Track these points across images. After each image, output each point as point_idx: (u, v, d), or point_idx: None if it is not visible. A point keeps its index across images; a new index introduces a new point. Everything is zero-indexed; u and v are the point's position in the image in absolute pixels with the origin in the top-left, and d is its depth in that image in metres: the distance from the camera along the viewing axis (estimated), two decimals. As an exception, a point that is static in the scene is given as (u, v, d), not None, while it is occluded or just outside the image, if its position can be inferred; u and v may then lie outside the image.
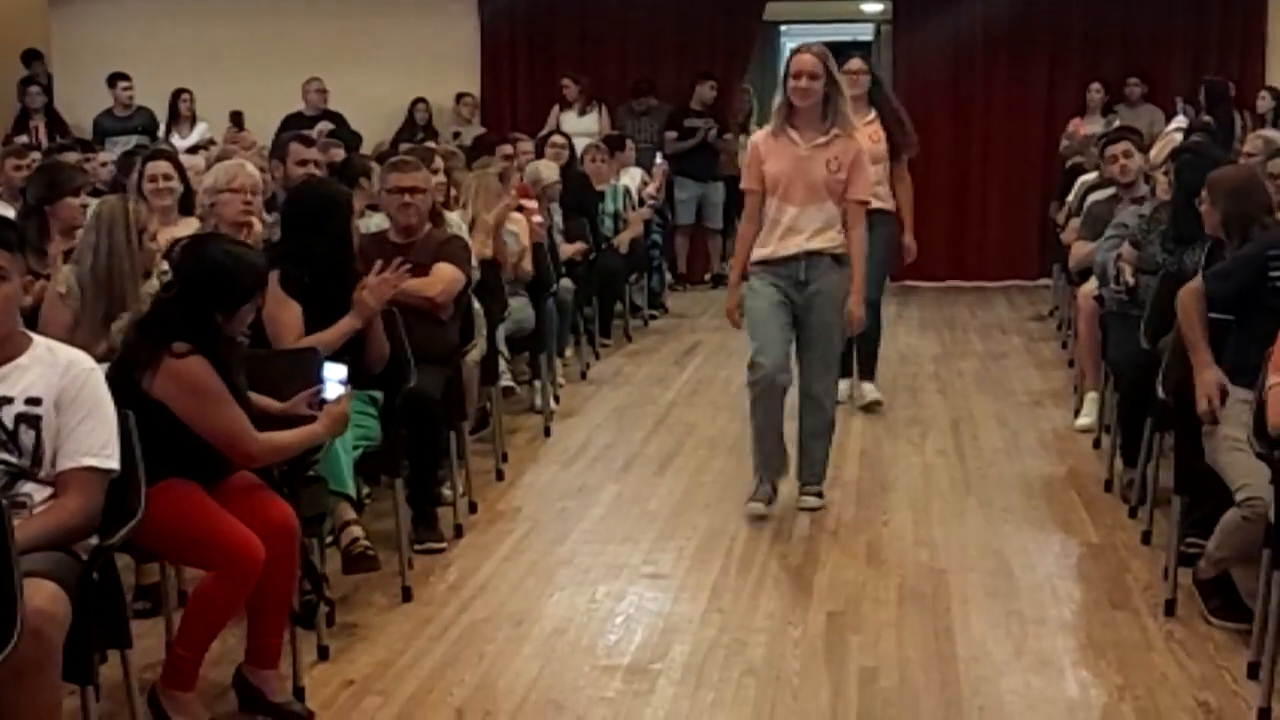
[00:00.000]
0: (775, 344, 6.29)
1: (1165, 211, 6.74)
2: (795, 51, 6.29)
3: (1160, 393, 5.50)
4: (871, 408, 8.39)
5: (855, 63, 8.09)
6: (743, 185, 6.50)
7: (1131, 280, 6.71)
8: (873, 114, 8.12)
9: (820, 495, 6.53)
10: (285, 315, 5.41)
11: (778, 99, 6.41)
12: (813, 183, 6.24)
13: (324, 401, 4.61)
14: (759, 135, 6.51)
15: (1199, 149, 7.32)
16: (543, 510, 6.65)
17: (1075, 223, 8.68)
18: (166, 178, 6.77)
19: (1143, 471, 6.20)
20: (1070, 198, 9.80)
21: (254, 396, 4.57)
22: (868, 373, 8.60)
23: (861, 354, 8.53)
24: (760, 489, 6.38)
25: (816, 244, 6.28)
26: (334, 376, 4.64)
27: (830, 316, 6.35)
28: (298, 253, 5.52)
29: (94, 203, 6.16)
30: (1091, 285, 7.53)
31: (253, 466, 4.40)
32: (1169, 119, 11.70)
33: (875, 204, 7.19)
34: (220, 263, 4.38)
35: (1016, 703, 4.51)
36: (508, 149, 9.69)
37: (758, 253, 6.37)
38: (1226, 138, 10.84)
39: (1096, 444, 7.49)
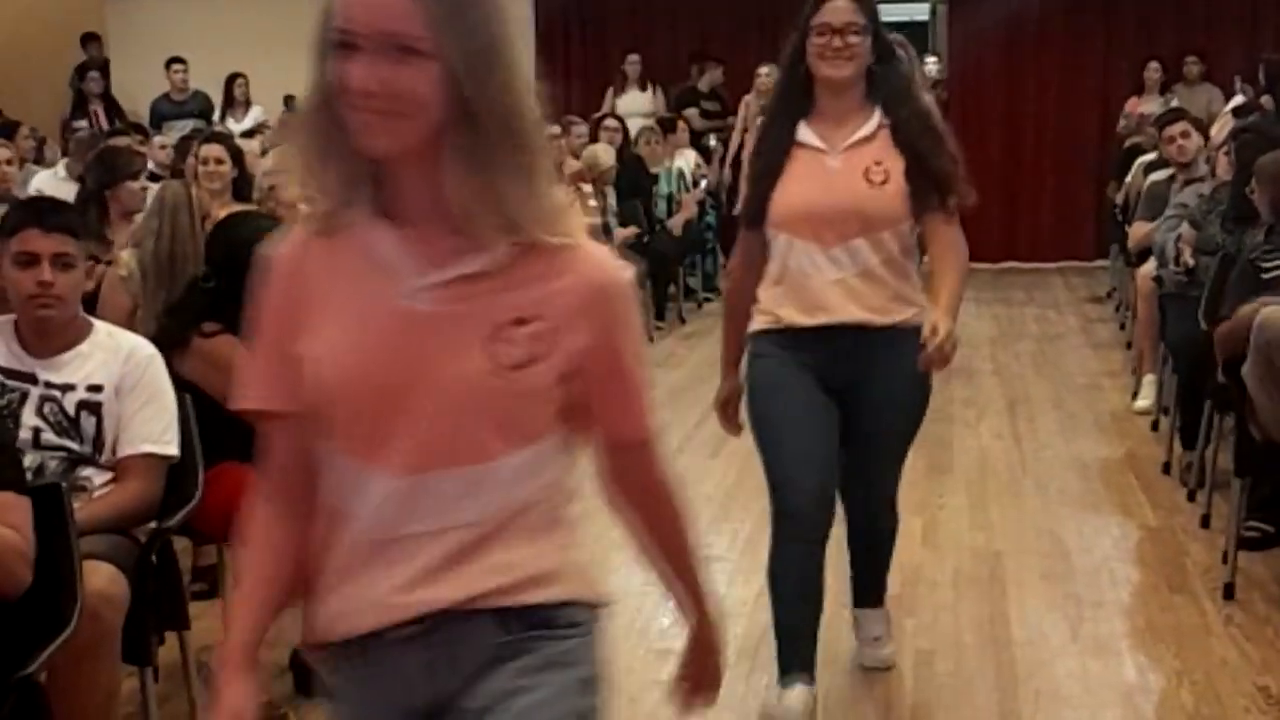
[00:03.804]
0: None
1: (1225, 192, 6.68)
2: None
3: (1219, 374, 5.46)
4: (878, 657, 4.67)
5: (840, 6, 3.87)
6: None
7: (1191, 261, 6.66)
8: (875, 122, 3.91)
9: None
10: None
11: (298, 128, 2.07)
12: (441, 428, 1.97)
13: None
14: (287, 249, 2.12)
15: (1259, 129, 7.25)
16: (597, 493, 6.64)
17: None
18: (219, 161, 6.84)
19: (1201, 454, 6.15)
20: (1129, 178, 9.73)
21: None
22: (871, 595, 4.59)
23: (865, 567, 4.55)
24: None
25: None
26: None
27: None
28: None
29: (153, 187, 6.21)
30: (1150, 266, 7.47)
31: None
32: (1228, 98, 11.58)
33: (888, 317, 3.92)
34: (251, 242, 4.41)
35: (1073, 687, 4.48)
36: (555, 129, 9.68)
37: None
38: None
39: (1155, 426, 7.43)
